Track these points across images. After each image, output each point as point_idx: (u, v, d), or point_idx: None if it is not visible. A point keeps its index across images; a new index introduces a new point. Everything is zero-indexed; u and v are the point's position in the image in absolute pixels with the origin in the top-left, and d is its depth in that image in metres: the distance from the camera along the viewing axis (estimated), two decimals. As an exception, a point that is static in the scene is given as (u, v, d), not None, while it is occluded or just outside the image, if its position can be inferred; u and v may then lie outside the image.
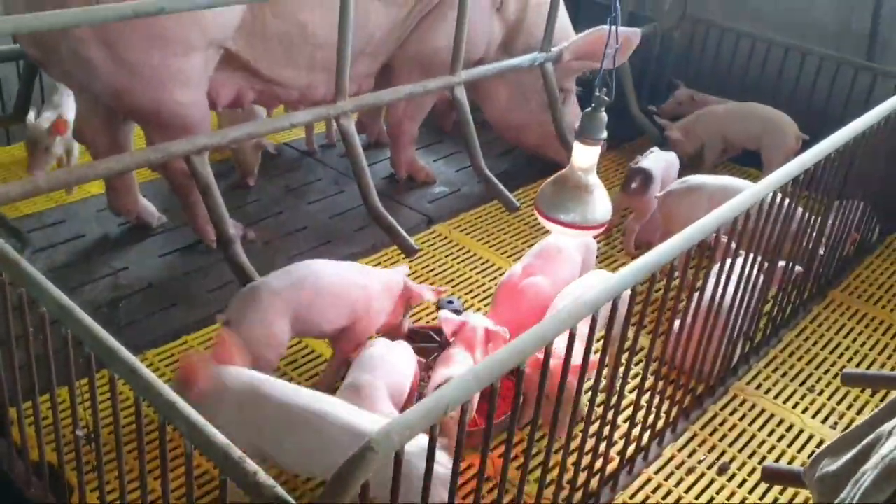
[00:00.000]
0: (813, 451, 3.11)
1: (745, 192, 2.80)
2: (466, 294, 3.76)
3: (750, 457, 3.07)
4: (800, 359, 3.60)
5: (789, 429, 3.22)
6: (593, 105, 2.52)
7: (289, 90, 3.82)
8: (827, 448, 2.04)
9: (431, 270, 3.91)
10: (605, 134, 2.54)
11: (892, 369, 3.59)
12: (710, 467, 3.00)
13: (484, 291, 3.80)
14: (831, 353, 3.66)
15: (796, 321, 3.81)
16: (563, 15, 4.50)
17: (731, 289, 3.02)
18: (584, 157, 2.59)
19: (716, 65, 5.23)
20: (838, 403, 3.37)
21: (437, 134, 5.13)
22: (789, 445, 3.14)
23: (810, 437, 3.18)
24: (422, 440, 1.86)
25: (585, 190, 2.59)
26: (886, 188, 4.17)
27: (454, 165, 4.94)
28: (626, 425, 2.86)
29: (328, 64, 3.71)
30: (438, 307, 3.09)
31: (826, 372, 3.54)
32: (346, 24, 3.30)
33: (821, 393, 3.42)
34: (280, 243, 4.00)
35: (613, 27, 2.49)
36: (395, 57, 4.16)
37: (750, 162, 5.00)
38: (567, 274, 3.22)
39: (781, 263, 3.36)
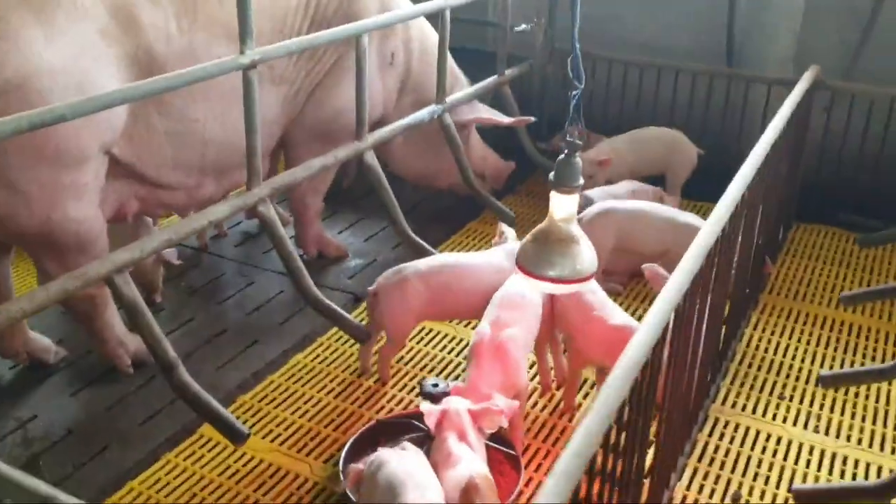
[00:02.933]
0: (808, 460, 3.10)
1: (712, 221, 2.76)
2: (429, 371, 3.53)
3: (755, 479, 3.00)
4: (759, 368, 3.61)
5: (778, 441, 3.18)
6: (566, 151, 2.39)
7: (175, 194, 3.50)
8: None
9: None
10: (582, 181, 2.41)
11: (840, 360, 3.67)
12: (723, 499, 2.90)
13: (441, 363, 3.57)
14: (784, 356, 3.69)
15: (741, 331, 3.84)
16: (450, 61, 4.41)
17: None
18: (563, 206, 2.44)
19: (593, 93, 5.30)
20: (811, 406, 3.38)
21: (331, 206, 4.87)
22: (785, 458, 3.09)
23: (800, 446, 3.16)
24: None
25: (570, 241, 2.44)
26: (785, 190, 4.32)
27: (360, 234, 4.71)
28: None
29: (219, 160, 3.50)
30: (422, 390, 2.83)
31: (787, 376, 3.56)
32: (252, 104, 3.05)
33: (791, 399, 3.42)
34: (202, 354, 3.60)
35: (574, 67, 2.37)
36: (289, 132, 3.92)
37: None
38: (534, 320, 3.06)
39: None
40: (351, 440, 2.94)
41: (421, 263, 3.40)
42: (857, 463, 3.08)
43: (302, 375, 3.50)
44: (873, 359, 3.69)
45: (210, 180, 3.58)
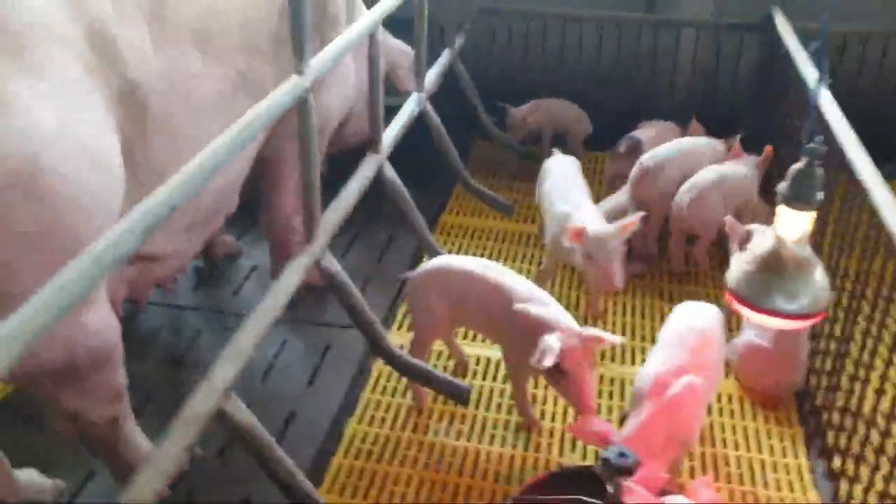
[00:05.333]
0: None
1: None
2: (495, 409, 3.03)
3: None
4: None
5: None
6: (806, 160, 2.00)
7: (168, 264, 2.73)
8: None
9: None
10: (822, 195, 2.04)
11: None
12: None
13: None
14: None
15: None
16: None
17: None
18: (797, 225, 2.07)
19: (510, 50, 4.93)
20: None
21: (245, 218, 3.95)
22: None
23: None
24: None
25: (808, 265, 2.08)
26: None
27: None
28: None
29: (208, 211, 2.79)
30: (609, 465, 2.29)
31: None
32: (310, 136, 2.34)
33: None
34: (236, 447, 2.85)
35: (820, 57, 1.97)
36: (272, 149, 3.16)
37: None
38: (720, 364, 2.71)
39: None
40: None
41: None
42: None
43: (370, 449, 2.86)
44: None
45: (196, 237, 2.83)
